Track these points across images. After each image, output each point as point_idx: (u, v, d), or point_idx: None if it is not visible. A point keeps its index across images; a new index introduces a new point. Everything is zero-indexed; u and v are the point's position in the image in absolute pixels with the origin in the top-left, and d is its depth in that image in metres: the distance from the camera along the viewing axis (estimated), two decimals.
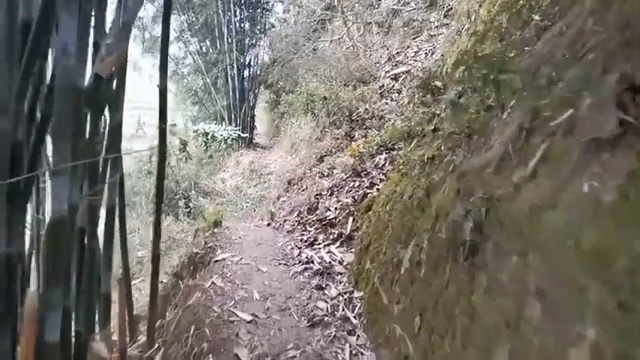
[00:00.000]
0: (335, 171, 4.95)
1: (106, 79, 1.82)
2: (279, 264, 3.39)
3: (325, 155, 5.69)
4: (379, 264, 2.64)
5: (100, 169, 1.99)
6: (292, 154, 10.58)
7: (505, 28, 2.68)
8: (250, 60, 14.04)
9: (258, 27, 12.96)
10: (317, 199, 4.53)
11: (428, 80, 4.87)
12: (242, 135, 8.68)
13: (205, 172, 9.62)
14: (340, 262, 3.29)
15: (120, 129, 2.09)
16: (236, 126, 13.29)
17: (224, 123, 9.04)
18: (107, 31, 1.87)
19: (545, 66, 1.66)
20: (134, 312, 2.64)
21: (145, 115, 13.56)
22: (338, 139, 5.68)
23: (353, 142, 4.98)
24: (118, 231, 2.27)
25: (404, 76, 6.13)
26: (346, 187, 4.32)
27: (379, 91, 5.89)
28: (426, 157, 2.55)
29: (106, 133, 2.02)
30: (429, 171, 2.40)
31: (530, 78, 1.69)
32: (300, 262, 3.38)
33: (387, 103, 5.56)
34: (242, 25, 13.60)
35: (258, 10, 13.68)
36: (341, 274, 3.13)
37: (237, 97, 13.09)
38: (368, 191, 4.03)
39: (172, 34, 13.96)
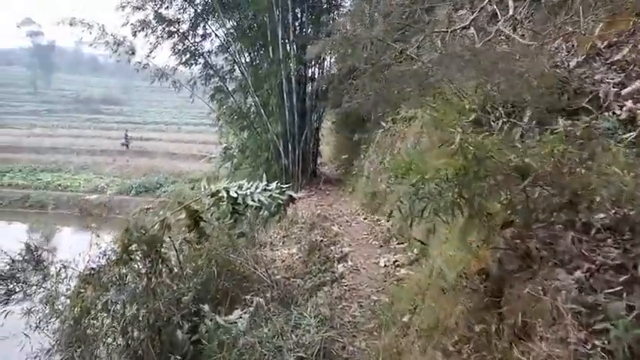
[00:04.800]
0: None
1: None
2: None
3: None
4: None
5: None
6: (374, 210, 7.10)
7: None
8: (314, 72, 10.73)
9: (324, 28, 9.56)
10: None
11: None
12: (294, 195, 5.32)
13: (243, 241, 6.39)
14: None
15: None
16: (294, 158, 10.09)
17: (263, 178, 5.67)
18: None
19: None
20: None
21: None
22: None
23: None
24: None
25: None
26: None
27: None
28: None
29: None
30: None
31: None
32: None
33: None
34: (303, 27, 10.38)
35: (324, 6, 10.37)
36: None
37: (296, 120, 9.86)
38: None
39: (216, 42, 11.06)
